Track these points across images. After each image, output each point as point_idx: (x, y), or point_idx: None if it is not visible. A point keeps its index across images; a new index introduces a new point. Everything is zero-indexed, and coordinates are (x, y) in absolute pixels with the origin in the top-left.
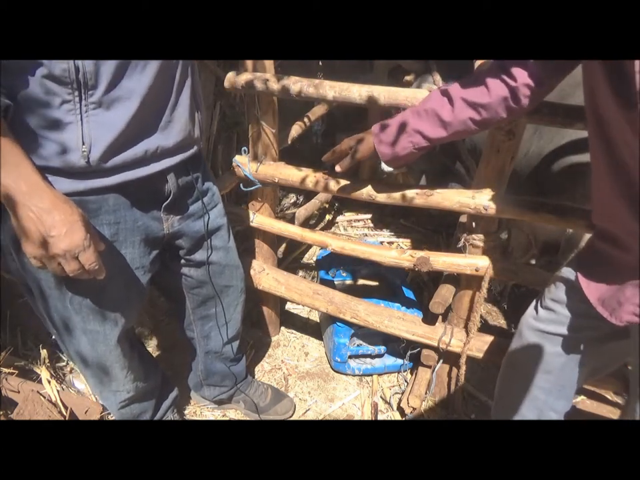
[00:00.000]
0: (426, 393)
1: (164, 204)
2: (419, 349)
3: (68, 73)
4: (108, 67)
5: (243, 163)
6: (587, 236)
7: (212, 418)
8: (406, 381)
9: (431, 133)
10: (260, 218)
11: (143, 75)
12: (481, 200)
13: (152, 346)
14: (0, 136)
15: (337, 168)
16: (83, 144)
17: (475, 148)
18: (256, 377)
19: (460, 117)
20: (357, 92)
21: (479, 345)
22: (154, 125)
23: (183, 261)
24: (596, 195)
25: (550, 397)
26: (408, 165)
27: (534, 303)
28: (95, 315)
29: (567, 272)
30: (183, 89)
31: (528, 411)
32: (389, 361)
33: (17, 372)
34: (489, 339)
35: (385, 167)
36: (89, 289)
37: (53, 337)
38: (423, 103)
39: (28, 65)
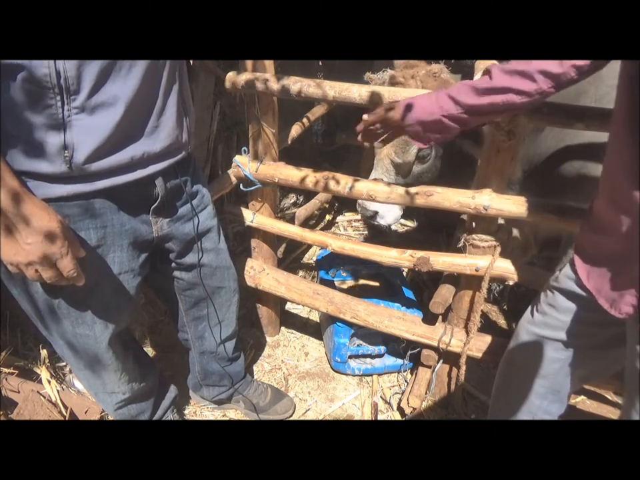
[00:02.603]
0: (426, 393)
1: (152, 207)
2: (419, 349)
3: (49, 77)
4: (90, 71)
5: (243, 163)
6: None
7: (212, 418)
8: (406, 381)
9: (464, 98)
10: (260, 218)
11: (127, 80)
12: (481, 200)
13: (151, 346)
14: None
15: (377, 145)
16: (66, 149)
17: None
18: (256, 376)
19: (498, 83)
20: (356, 92)
21: (479, 345)
22: (140, 130)
23: (173, 264)
24: (607, 177)
25: (545, 401)
26: (438, 141)
27: (530, 306)
28: (83, 319)
29: (565, 278)
30: (170, 94)
31: (522, 414)
32: (389, 361)
33: (17, 372)
34: (489, 339)
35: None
36: (77, 294)
37: None
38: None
39: (9, 68)
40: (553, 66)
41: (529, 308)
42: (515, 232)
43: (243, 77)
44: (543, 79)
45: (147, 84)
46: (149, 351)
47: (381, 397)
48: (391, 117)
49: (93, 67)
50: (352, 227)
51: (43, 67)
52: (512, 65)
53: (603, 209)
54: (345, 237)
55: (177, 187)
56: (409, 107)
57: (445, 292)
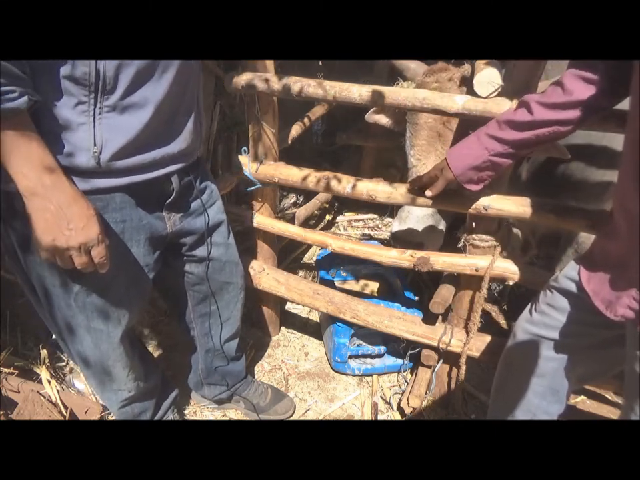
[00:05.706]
0: (426, 393)
1: (166, 202)
2: (419, 348)
3: (88, 75)
4: (127, 73)
5: (243, 163)
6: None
7: (212, 418)
8: (406, 381)
9: (506, 134)
10: (260, 218)
11: (158, 85)
12: (481, 200)
13: (152, 346)
14: (25, 130)
15: (428, 193)
16: (95, 145)
17: None
18: (256, 376)
19: (541, 117)
20: (357, 92)
21: (479, 345)
22: (163, 133)
23: (185, 258)
24: (620, 183)
25: (543, 400)
26: (492, 180)
27: (529, 306)
28: (98, 313)
29: (565, 278)
30: (191, 101)
31: (521, 414)
32: (389, 361)
33: (17, 372)
34: (489, 339)
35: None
36: (94, 288)
37: (54, 336)
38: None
39: (53, 64)
40: (588, 92)
41: (527, 307)
42: (516, 230)
43: (243, 77)
44: (584, 108)
45: (175, 90)
46: (149, 350)
47: (381, 396)
48: (448, 177)
49: (130, 69)
50: (352, 226)
51: (84, 66)
52: (551, 97)
53: (615, 214)
54: (345, 237)
55: (188, 184)
56: (454, 159)
57: (445, 292)
